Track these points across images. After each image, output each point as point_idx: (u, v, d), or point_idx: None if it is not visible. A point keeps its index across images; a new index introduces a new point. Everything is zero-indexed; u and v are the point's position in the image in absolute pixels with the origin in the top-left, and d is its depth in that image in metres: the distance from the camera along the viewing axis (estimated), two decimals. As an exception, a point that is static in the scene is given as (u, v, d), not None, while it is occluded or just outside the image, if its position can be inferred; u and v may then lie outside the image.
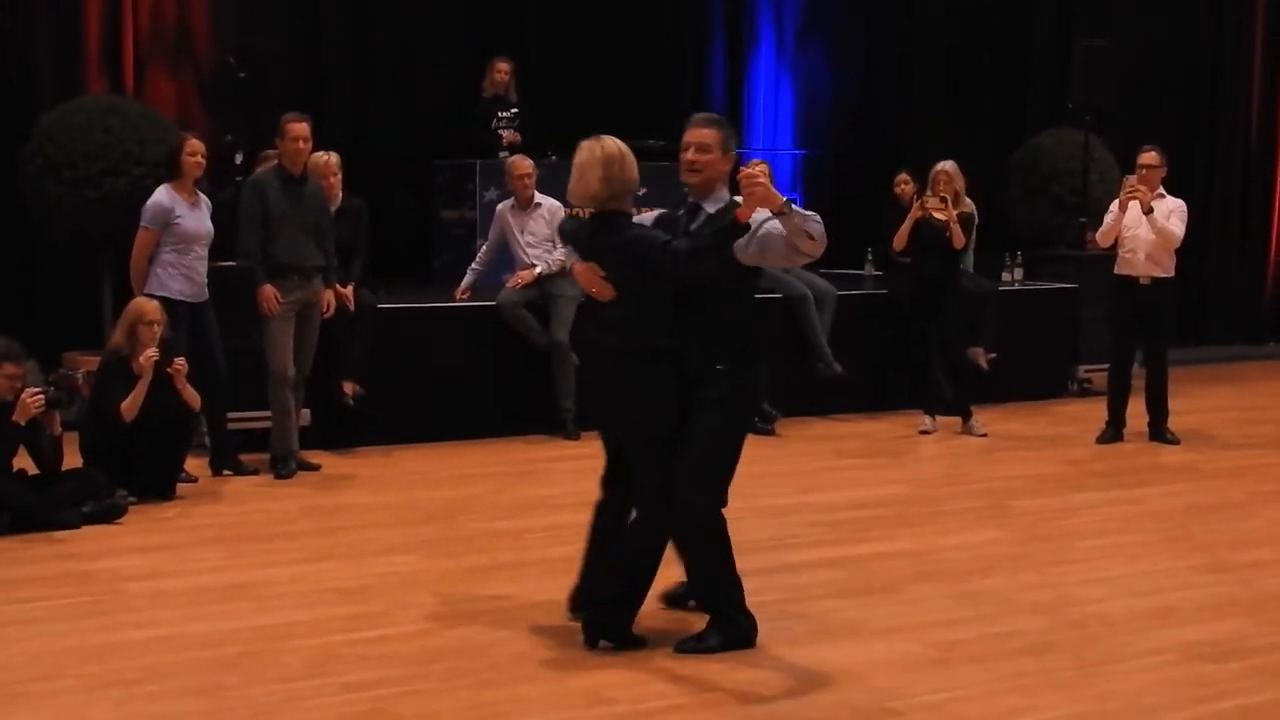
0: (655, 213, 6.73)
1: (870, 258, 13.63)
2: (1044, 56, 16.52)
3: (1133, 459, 10.76)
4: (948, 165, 11.32)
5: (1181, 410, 11.69)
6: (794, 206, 6.02)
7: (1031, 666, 6.10)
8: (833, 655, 6.21)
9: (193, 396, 8.96)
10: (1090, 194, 13.97)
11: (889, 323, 12.35)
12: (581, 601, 6.46)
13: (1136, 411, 11.32)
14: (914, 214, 11.34)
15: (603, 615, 6.24)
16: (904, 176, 12.37)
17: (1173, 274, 11.04)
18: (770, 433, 11.26)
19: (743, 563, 7.68)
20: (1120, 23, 16.38)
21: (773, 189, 6.02)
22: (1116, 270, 11.16)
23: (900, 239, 11.41)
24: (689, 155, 6.42)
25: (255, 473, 9.64)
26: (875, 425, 11.84)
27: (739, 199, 6.09)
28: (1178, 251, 11.04)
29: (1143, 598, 7.14)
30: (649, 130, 14.06)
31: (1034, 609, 6.91)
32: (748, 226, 6.06)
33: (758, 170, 6.16)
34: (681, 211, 6.49)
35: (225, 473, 9.65)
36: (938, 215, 11.18)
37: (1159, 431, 11.26)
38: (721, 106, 15.51)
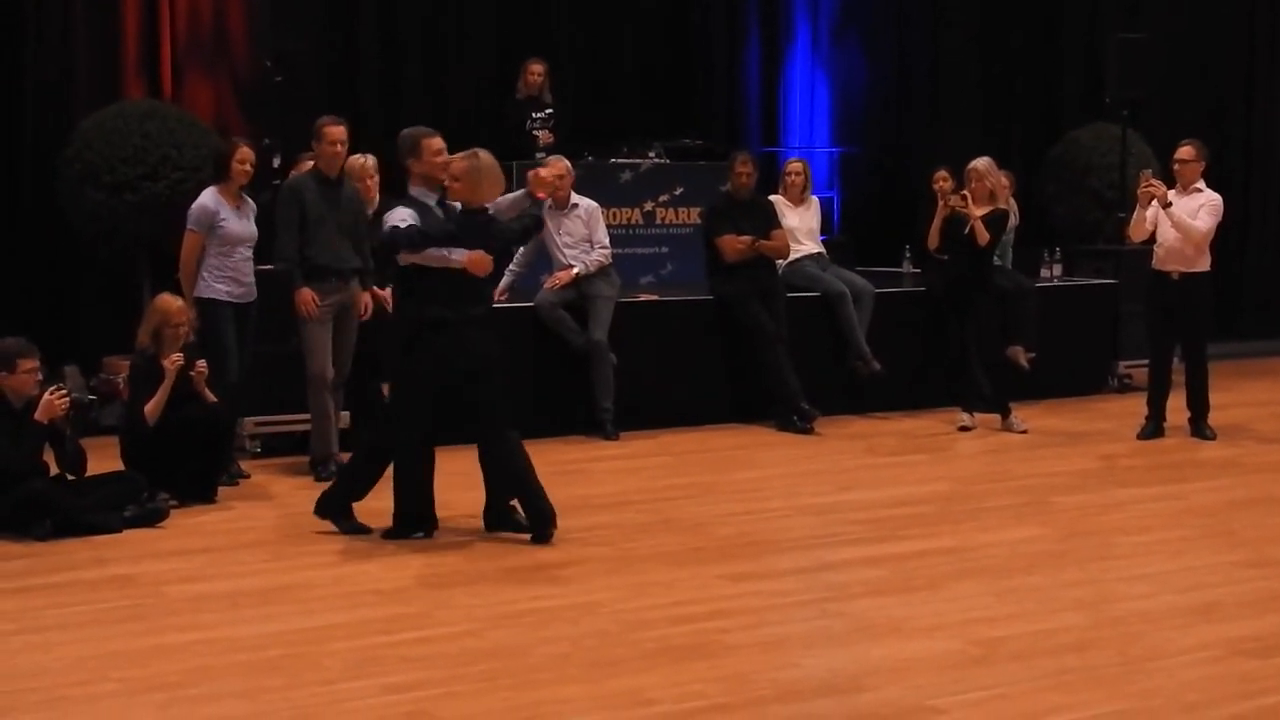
0: None
1: (908, 255, 13.59)
2: (1078, 49, 16.44)
3: (1173, 454, 10.71)
4: (980, 162, 11.28)
5: (1222, 405, 11.63)
6: None
7: (1073, 663, 6.07)
8: (874, 653, 6.20)
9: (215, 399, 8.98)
10: (1128, 188, 13.89)
11: (926, 320, 12.31)
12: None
13: (1176, 407, 11.26)
14: (941, 211, 11.30)
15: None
16: (943, 173, 12.33)
17: (1206, 269, 10.97)
18: (810, 431, 11.25)
19: (784, 561, 7.71)
20: (1154, 14, 16.31)
21: None
22: (1153, 265, 11.10)
23: (933, 237, 11.39)
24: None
25: (248, 476, 9.64)
26: (914, 423, 11.80)
27: None
28: (1212, 246, 10.97)
29: (1185, 594, 7.11)
30: (683, 130, 14.12)
31: (1076, 605, 6.88)
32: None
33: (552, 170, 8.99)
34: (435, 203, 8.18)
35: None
36: (962, 212, 11.15)
37: (1199, 427, 11.20)
38: (757, 105, 15.52)
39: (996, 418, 11.50)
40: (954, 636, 6.40)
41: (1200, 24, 16.89)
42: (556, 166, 10.20)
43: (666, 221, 13.40)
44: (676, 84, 15.08)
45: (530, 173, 8.54)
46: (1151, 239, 11.02)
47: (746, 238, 11.57)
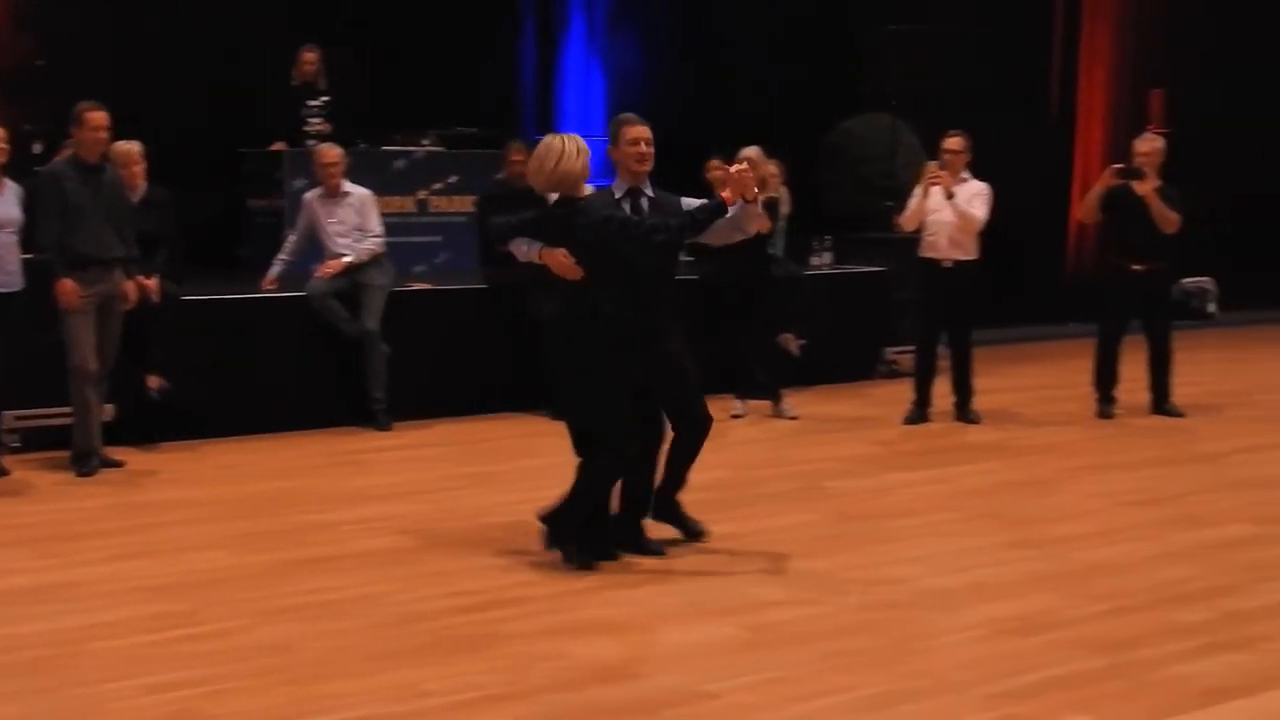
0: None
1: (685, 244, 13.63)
2: (852, 40, 16.66)
3: (942, 439, 10.92)
4: (751, 151, 11.36)
5: (989, 389, 11.91)
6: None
7: (847, 646, 6.15)
8: (650, 640, 6.22)
9: None
10: (898, 178, 14.14)
11: (703, 309, 12.37)
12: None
13: (944, 391, 11.49)
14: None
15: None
16: (715, 162, 12.38)
17: (975, 256, 11.24)
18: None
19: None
20: (926, 7, 16.61)
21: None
22: (921, 253, 11.32)
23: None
24: (643, 148, 7.49)
25: (8, 473, 9.36)
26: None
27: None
28: (982, 233, 11.23)
29: (955, 575, 7.25)
30: (457, 117, 14.00)
31: (850, 589, 6.97)
32: (725, 208, 7.38)
33: (746, 166, 7.57)
34: (620, 195, 7.55)
35: None
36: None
37: (964, 412, 11.45)
38: (532, 94, 15.50)
39: (768, 405, 11.63)
40: (731, 622, 6.45)
41: (970, 17, 17.23)
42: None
43: (440, 210, 13.31)
44: (452, 71, 14.97)
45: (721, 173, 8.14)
46: (920, 228, 11.23)
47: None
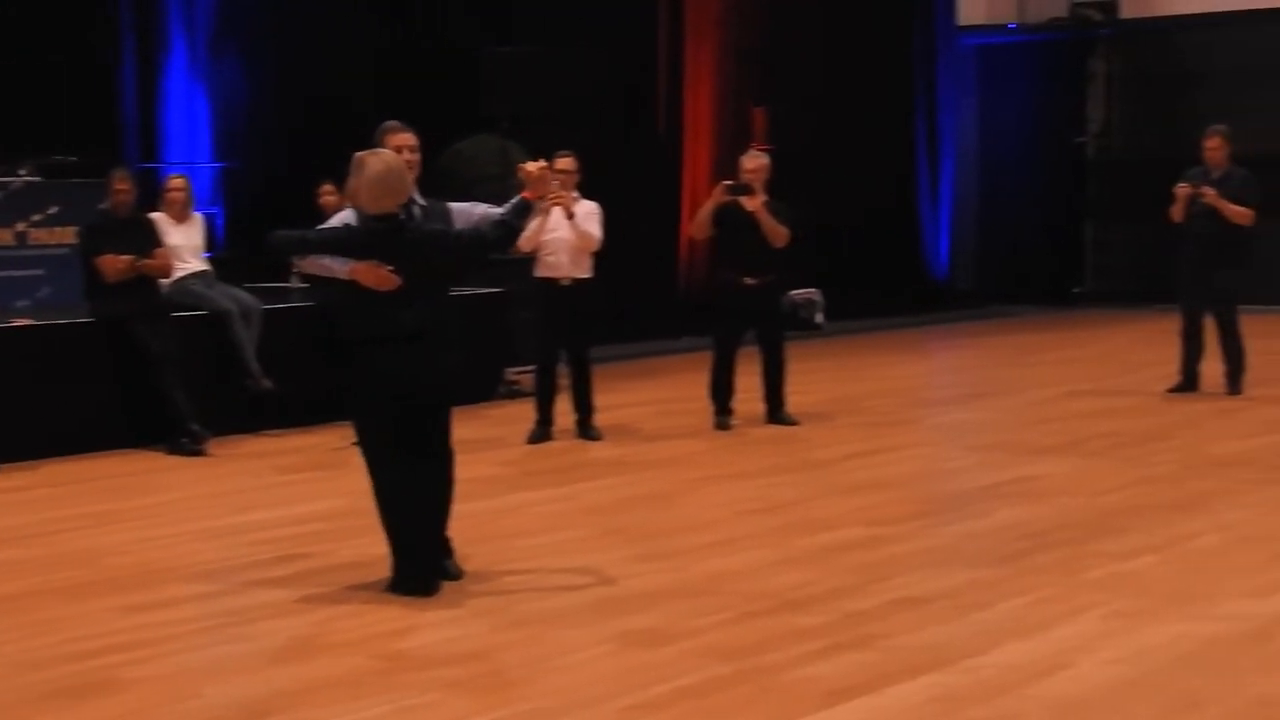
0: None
1: (296, 270, 13.48)
2: (460, 63, 16.67)
3: (564, 456, 11.01)
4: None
5: (609, 406, 12.06)
6: None
7: (477, 669, 6.14)
8: (279, 676, 6.09)
9: None
10: (510, 199, 14.17)
11: (319, 335, 12.22)
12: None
13: (565, 409, 11.59)
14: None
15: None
16: (328, 187, 12.28)
17: (591, 274, 11.39)
18: (201, 453, 10.97)
19: (183, 589, 7.49)
20: (531, 28, 16.75)
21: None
22: (538, 273, 11.40)
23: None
24: (407, 156, 7.43)
25: None
26: (310, 439, 11.68)
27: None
28: (595, 251, 11.37)
29: (581, 591, 7.31)
30: (55, 146, 13.48)
31: (478, 612, 6.96)
32: (531, 205, 7.49)
33: (544, 164, 7.58)
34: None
35: None
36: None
37: (585, 428, 11.57)
38: (134, 118, 15.02)
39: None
40: (358, 652, 6.37)
41: (577, 39, 17.44)
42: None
43: (41, 242, 12.84)
44: (47, 97, 14.42)
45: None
46: (537, 248, 11.30)
47: (127, 257, 11.21)
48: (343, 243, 7.27)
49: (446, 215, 7.49)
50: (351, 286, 7.19)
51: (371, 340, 7.16)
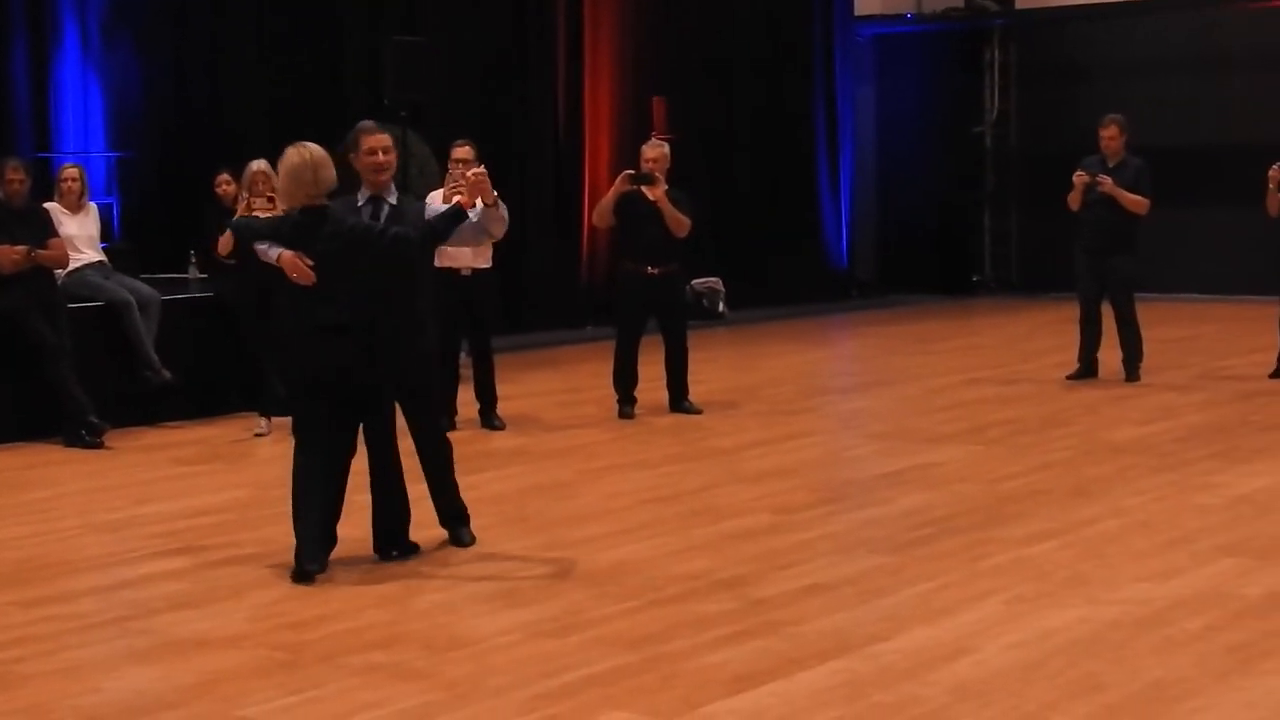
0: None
1: (194, 260, 13.36)
2: (360, 50, 16.55)
3: (467, 446, 10.92)
4: (262, 164, 11.17)
5: (510, 395, 12.04)
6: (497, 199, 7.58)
7: (381, 660, 6.10)
8: (179, 668, 6.03)
9: None
10: (411, 188, 14.10)
11: (219, 326, 12.12)
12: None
13: (467, 399, 11.56)
14: (241, 213, 11.13)
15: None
16: (225, 177, 12.15)
17: (491, 265, 11.37)
18: (100, 445, 10.83)
19: (79, 582, 7.41)
20: (430, 19, 16.67)
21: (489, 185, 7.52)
22: (438, 263, 11.30)
23: (224, 244, 11.14)
24: (380, 158, 7.58)
25: None
26: (211, 430, 11.58)
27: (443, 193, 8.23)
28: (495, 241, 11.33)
29: (485, 582, 7.29)
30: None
31: (381, 602, 6.93)
32: (465, 214, 7.48)
33: (483, 170, 7.70)
34: (362, 203, 7.64)
35: None
36: (259, 215, 11.02)
37: (489, 418, 11.55)
38: (26, 109, 14.79)
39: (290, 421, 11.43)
40: (260, 643, 6.32)
41: (475, 29, 17.38)
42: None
43: (-67, 233, 12.61)
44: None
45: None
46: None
47: (22, 248, 11.05)
48: (277, 231, 7.53)
49: (419, 215, 7.67)
50: (284, 275, 7.39)
51: (298, 329, 7.35)
